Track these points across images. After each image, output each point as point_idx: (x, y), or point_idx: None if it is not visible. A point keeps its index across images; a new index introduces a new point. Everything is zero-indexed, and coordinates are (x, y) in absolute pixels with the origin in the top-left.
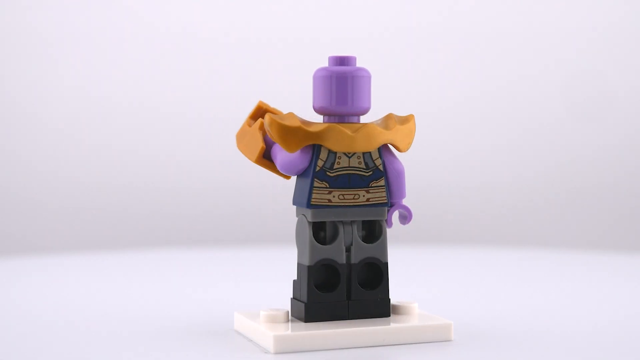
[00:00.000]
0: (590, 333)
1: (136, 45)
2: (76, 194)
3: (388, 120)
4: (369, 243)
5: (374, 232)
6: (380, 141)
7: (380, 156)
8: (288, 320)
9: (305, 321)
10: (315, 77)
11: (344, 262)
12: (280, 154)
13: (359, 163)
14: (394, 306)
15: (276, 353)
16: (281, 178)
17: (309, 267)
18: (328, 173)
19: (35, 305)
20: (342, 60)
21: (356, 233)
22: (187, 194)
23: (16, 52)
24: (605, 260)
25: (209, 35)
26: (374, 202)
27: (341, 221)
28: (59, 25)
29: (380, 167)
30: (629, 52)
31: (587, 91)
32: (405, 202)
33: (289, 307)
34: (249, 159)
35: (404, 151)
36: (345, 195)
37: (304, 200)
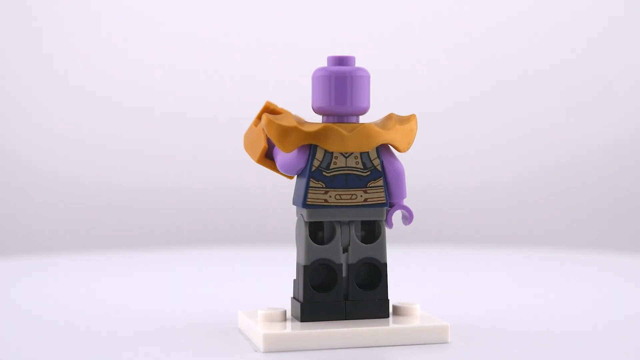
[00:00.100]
0: (590, 333)
1: (136, 45)
2: (76, 194)
3: (387, 120)
4: (368, 243)
5: (373, 232)
6: (377, 141)
7: (378, 156)
8: (285, 320)
9: (301, 321)
10: (314, 77)
11: (341, 262)
12: (280, 154)
13: (357, 163)
14: (395, 307)
15: (266, 352)
16: (284, 178)
17: (305, 267)
18: (324, 173)
19: (35, 305)
20: (341, 60)
21: (354, 233)
22: (187, 194)
23: (16, 52)
24: (605, 260)
25: (209, 36)
26: (372, 203)
27: (339, 221)
28: (59, 25)
29: (379, 167)
30: (629, 52)
31: (587, 91)
32: (405, 202)
33: (289, 307)
34: (252, 158)
35: (404, 151)
36: (342, 196)
37: (300, 200)
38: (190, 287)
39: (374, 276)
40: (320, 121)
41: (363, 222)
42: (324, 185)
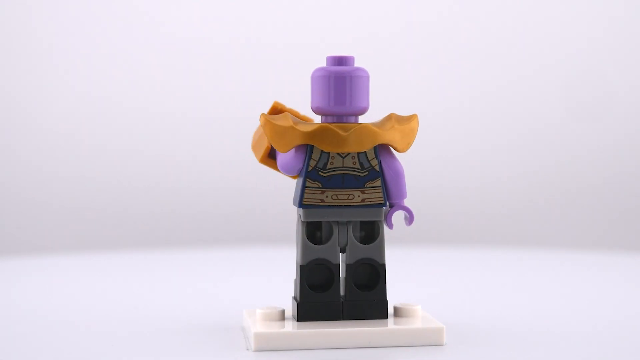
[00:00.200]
0: (590, 333)
1: (136, 45)
2: (76, 194)
3: (386, 121)
4: (367, 244)
5: (373, 233)
6: (373, 141)
7: (376, 156)
8: (283, 319)
9: (298, 320)
10: (313, 77)
11: (338, 262)
12: (280, 154)
13: (354, 163)
14: (396, 308)
15: (256, 350)
16: (286, 177)
17: (302, 267)
18: (321, 173)
19: (35, 305)
20: (340, 60)
21: (351, 233)
22: (187, 194)
23: (16, 52)
24: (605, 260)
25: (208, 36)
26: (369, 203)
27: (336, 221)
28: (60, 25)
29: (376, 168)
30: (629, 52)
31: (587, 91)
32: (406, 202)
33: (289, 306)
34: (256, 158)
35: (403, 151)
36: (339, 196)
37: (297, 200)
38: (190, 286)
39: (372, 277)
40: (320, 121)
41: (362, 223)
42: (320, 185)
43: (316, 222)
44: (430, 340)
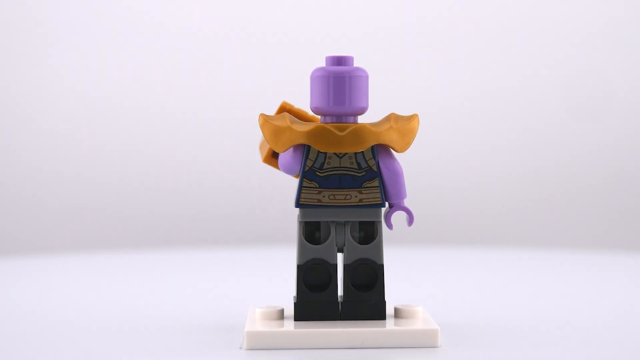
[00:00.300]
0: (590, 334)
1: (137, 45)
2: (76, 194)
3: (385, 120)
4: (366, 244)
5: (372, 233)
6: (370, 141)
7: (374, 156)
8: (282, 318)
9: (295, 320)
10: (312, 77)
11: (336, 262)
12: (281, 154)
13: (351, 163)
14: (396, 309)
15: (248, 349)
16: (288, 178)
17: (299, 266)
18: (317, 173)
19: (36, 306)
20: (339, 60)
21: (349, 233)
22: (187, 194)
23: (16, 51)
24: (605, 260)
25: (208, 35)
26: (367, 203)
27: (334, 221)
28: (60, 25)
29: (374, 168)
30: (629, 52)
31: (587, 91)
32: (405, 202)
33: (290, 306)
34: (261, 158)
35: (401, 152)
36: (336, 196)
37: (295, 199)
38: (190, 286)
39: (371, 277)
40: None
41: (361, 223)
42: (317, 185)
43: (315, 222)
44: (425, 342)
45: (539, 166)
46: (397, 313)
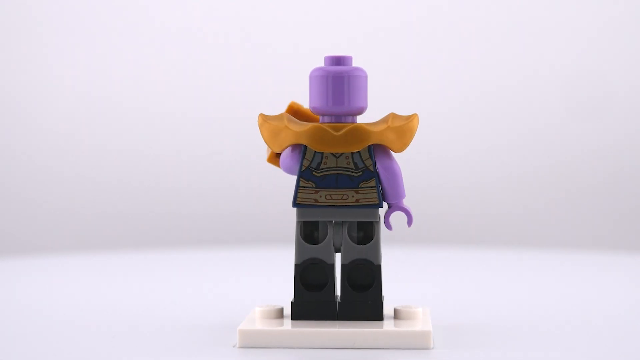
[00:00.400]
0: (590, 334)
1: (137, 44)
2: (76, 194)
3: (383, 120)
4: (364, 244)
5: (371, 233)
6: (366, 141)
7: (370, 156)
8: (281, 317)
9: (292, 319)
10: (311, 77)
11: (333, 262)
12: (282, 154)
13: (347, 163)
14: (396, 310)
15: (241, 347)
16: (291, 177)
17: (296, 266)
18: (314, 173)
19: (36, 306)
20: (338, 60)
21: (346, 234)
22: (187, 194)
23: (16, 51)
24: (605, 260)
25: (208, 35)
26: (364, 203)
27: (332, 221)
28: (60, 25)
29: (371, 168)
30: (629, 52)
31: (587, 91)
32: (405, 202)
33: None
34: (266, 157)
35: (399, 152)
36: (332, 196)
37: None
38: (190, 286)
39: (368, 278)
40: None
41: (360, 223)
42: (314, 185)
43: (314, 222)
44: (417, 344)
45: (539, 166)
46: (397, 314)
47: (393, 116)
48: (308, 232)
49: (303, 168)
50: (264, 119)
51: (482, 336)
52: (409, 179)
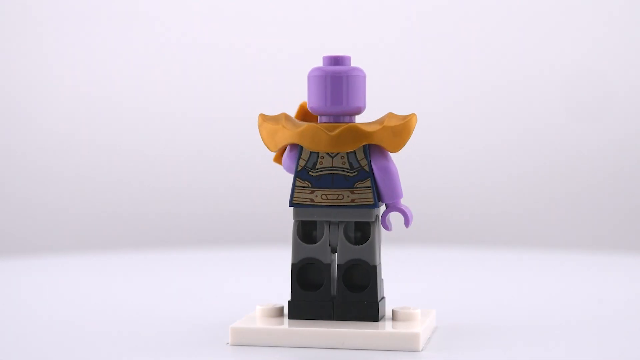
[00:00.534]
0: (590, 334)
1: (137, 45)
2: (76, 194)
3: (379, 120)
4: (360, 245)
5: (368, 234)
6: (360, 141)
7: (365, 156)
8: (281, 315)
9: (289, 318)
10: (309, 77)
11: (329, 262)
12: (284, 154)
13: (343, 163)
14: (394, 311)
15: (233, 345)
16: (288, 178)
17: (293, 265)
18: (310, 173)
19: (36, 306)
20: (336, 60)
21: (342, 234)
22: (187, 194)
23: (16, 51)
24: (605, 260)
25: (208, 36)
26: (359, 203)
27: (328, 221)
28: (60, 25)
29: (366, 168)
30: (629, 52)
31: (587, 91)
32: (404, 202)
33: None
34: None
35: (394, 152)
36: (328, 196)
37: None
38: (190, 286)
39: (364, 278)
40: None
41: (357, 224)
42: (310, 184)
43: (312, 222)
44: (405, 346)
45: (539, 166)
46: (394, 316)
47: (390, 116)
48: (307, 232)
49: (299, 168)
50: (263, 119)
51: (482, 336)
52: (408, 179)
